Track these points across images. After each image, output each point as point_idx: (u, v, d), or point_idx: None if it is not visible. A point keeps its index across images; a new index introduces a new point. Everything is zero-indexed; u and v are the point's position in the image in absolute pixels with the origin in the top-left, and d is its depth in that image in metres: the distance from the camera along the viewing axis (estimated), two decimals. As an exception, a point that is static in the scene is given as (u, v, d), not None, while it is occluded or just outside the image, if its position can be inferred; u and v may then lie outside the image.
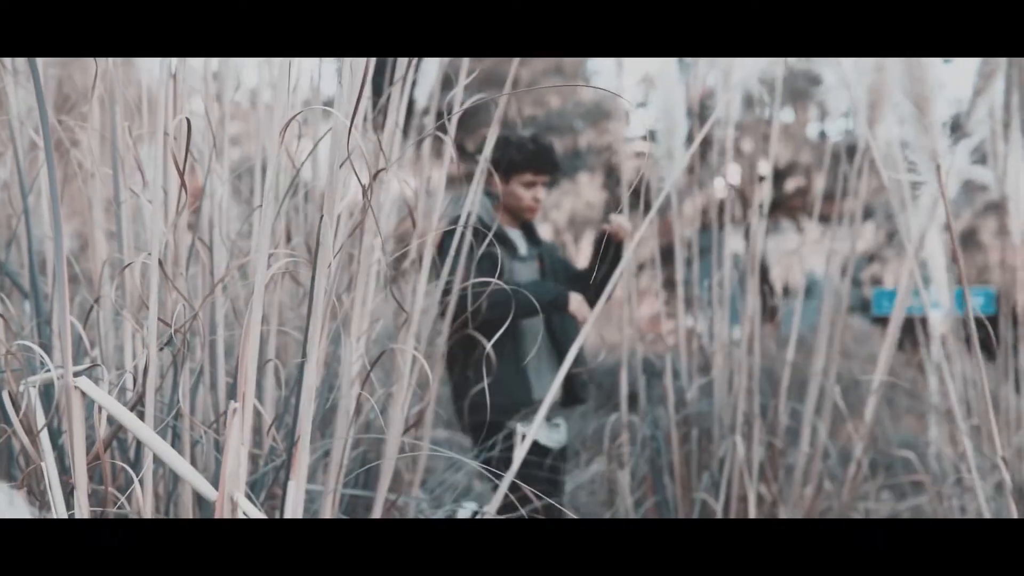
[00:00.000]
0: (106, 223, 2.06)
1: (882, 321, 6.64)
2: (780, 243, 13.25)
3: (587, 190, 16.01)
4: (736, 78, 2.68)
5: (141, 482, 1.29)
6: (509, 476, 1.89)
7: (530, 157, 2.99)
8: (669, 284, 3.98)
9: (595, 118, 17.39)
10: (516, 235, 3.12)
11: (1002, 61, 3.04)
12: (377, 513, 1.89)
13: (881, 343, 3.57)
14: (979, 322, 2.13)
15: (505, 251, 2.99)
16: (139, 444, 1.46)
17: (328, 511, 1.71)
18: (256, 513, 1.10)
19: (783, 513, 3.19)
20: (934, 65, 1.83)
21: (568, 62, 18.63)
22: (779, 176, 15.51)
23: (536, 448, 2.82)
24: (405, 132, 3.30)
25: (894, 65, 1.86)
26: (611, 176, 14.69)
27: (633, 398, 3.51)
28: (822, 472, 3.24)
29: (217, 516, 1.09)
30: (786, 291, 9.95)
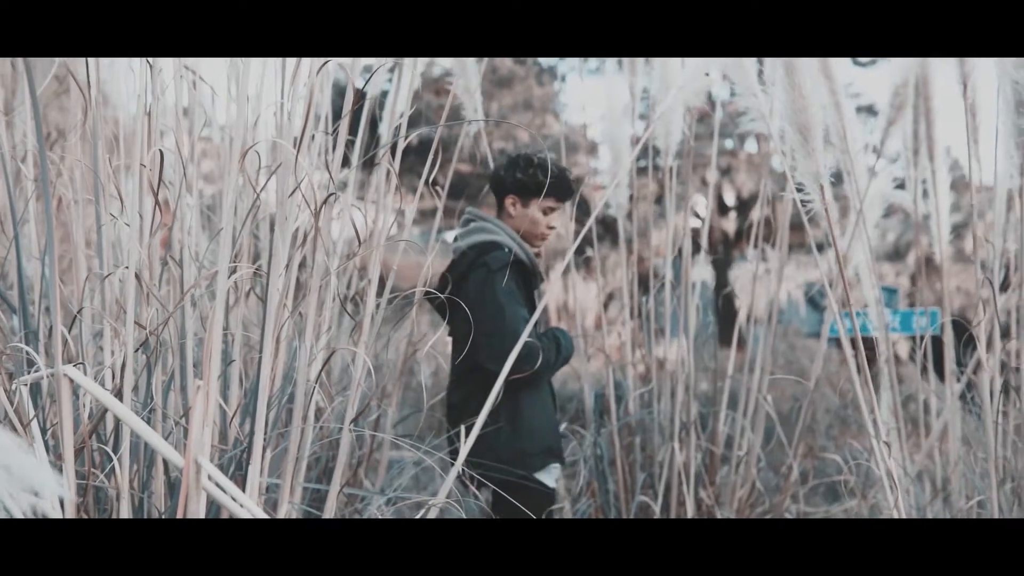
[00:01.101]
0: (85, 248, 2.28)
1: (836, 342, 6.96)
2: (743, 271, 13.63)
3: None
4: (662, 108, 2.92)
5: (120, 461, 1.50)
6: (454, 471, 2.11)
7: (556, 182, 2.85)
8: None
9: (564, 150, 17.78)
10: None
11: (911, 92, 3.33)
12: (332, 505, 2.10)
13: (837, 363, 3.86)
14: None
15: (534, 283, 2.90)
16: (117, 432, 1.67)
17: (285, 499, 1.92)
18: (220, 477, 1.31)
19: (719, 514, 3.42)
20: (816, 95, 2.09)
21: (537, 96, 19.04)
22: (731, 206, 15.89)
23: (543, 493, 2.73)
24: (371, 164, 3.51)
25: (780, 94, 2.12)
26: (580, 207, 15.05)
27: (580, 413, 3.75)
28: (755, 477, 3.48)
29: (184, 480, 1.30)
30: (749, 318, 10.38)
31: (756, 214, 3.92)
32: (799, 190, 2.38)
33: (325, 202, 1.88)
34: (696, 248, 3.84)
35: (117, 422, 1.74)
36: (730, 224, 15.51)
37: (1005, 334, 2.93)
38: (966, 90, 2.44)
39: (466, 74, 3.06)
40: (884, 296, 7.45)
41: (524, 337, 2.03)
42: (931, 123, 3.23)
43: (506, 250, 2.76)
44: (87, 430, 1.52)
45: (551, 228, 2.88)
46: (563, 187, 2.87)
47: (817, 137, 2.10)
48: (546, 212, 2.86)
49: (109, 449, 1.59)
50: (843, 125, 3.38)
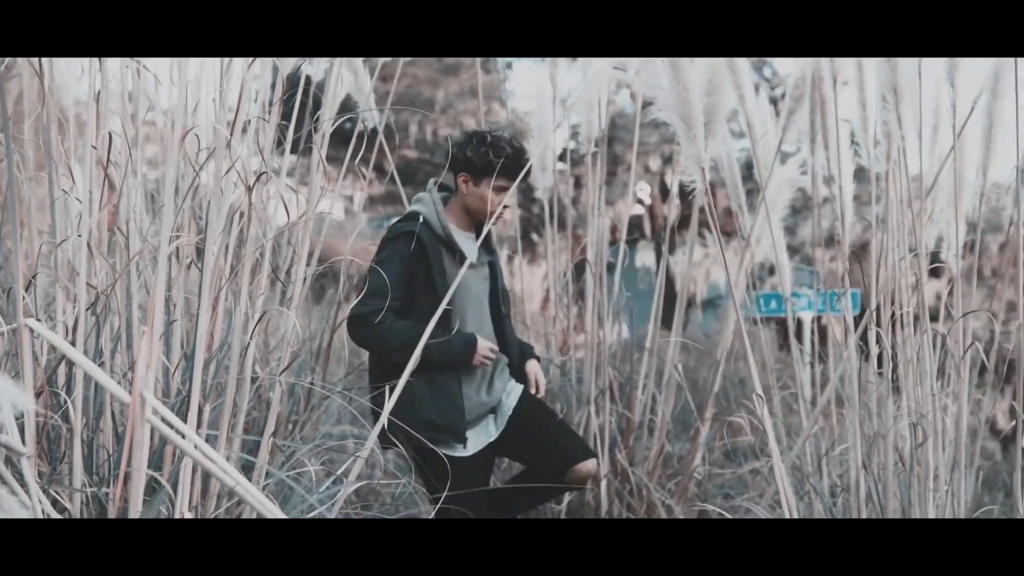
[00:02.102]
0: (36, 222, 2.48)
1: (766, 321, 7.35)
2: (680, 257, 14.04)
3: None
4: (572, 99, 3.17)
5: (72, 403, 1.72)
6: (380, 423, 2.36)
7: (507, 161, 2.77)
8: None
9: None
10: (468, 240, 2.89)
11: (808, 86, 3.63)
12: (264, 454, 2.33)
13: (764, 341, 4.18)
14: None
15: (452, 259, 2.80)
16: (69, 383, 1.89)
17: (222, 446, 2.14)
18: (164, 410, 1.53)
19: (632, 474, 3.71)
20: (697, 93, 2.36)
21: (483, 83, 19.22)
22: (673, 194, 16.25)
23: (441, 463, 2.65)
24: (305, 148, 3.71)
25: (667, 89, 2.39)
26: (526, 194, 15.30)
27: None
28: (665, 440, 3.79)
29: (131, 413, 1.52)
30: (690, 302, 10.85)
31: (675, 201, 4.20)
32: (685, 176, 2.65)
33: (257, 180, 2.11)
34: (615, 236, 4.11)
35: (69, 374, 1.96)
36: (671, 210, 15.91)
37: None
38: (836, 84, 2.74)
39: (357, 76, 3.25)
40: (809, 278, 7.84)
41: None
42: (826, 113, 3.52)
43: (419, 220, 2.75)
44: (44, 377, 1.74)
45: (505, 207, 2.81)
46: (515, 167, 2.78)
47: (698, 125, 2.37)
48: (498, 191, 2.78)
49: (63, 393, 1.81)
50: (747, 116, 3.68)
